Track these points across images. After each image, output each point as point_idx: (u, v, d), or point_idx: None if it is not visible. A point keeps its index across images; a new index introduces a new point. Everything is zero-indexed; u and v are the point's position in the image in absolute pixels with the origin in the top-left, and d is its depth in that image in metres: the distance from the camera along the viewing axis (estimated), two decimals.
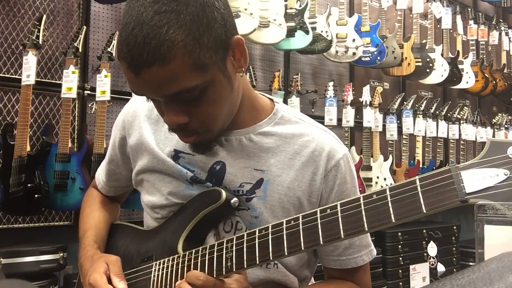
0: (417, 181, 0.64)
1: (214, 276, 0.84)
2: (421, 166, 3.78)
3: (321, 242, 0.72)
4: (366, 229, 0.68)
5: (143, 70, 0.77)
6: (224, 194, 0.94)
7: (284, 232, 0.77)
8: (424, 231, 3.47)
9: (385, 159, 3.44)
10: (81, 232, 1.13)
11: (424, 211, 0.62)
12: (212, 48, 0.80)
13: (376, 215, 0.67)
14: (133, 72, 0.78)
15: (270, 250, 0.78)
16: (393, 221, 0.65)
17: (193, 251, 0.90)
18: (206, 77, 0.80)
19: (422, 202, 0.63)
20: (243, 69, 0.90)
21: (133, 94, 1.12)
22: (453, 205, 0.60)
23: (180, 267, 0.91)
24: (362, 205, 0.69)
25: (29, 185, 2.19)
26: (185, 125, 0.86)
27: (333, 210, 0.72)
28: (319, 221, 0.74)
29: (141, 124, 1.05)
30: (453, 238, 3.68)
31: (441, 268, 3.48)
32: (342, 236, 0.70)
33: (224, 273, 0.83)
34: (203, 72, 0.80)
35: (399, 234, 3.30)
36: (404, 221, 0.65)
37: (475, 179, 0.58)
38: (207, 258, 0.86)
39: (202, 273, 0.84)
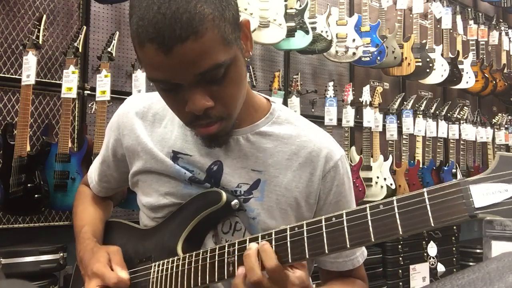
0: (425, 194, 0.64)
1: (216, 280, 0.84)
2: (421, 166, 3.79)
3: (326, 251, 0.72)
4: (373, 239, 0.67)
5: (176, 46, 0.74)
6: (224, 196, 0.93)
7: (288, 239, 0.77)
8: (424, 231, 3.48)
9: (385, 159, 3.44)
10: (77, 228, 1.12)
11: (432, 225, 0.62)
12: (233, 24, 0.81)
13: (383, 226, 0.67)
14: (164, 51, 0.75)
15: None
16: (401, 233, 0.65)
17: (194, 254, 0.89)
18: (231, 53, 0.80)
19: (430, 215, 0.62)
20: (250, 53, 0.90)
21: (122, 102, 1.11)
22: (461, 219, 0.60)
23: (180, 270, 0.90)
24: (369, 216, 0.68)
25: (29, 185, 2.18)
26: (210, 110, 0.83)
27: (339, 219, 0.72)
28: (324, 229, 0.73)
29: (137, 126, 1.03)
30: (453, 238, 3.68)
31: (441, 268, 3.48)
32: (348, 246, 0.70)
33: (226, 277, 0.83)
34: (229, 47, 0.80)
35: None
36: (411, 233, 0.64)
37: (484, 193, 0.57)
38: (208, 262, 0.86)
39: (275, 259, 0.78)
